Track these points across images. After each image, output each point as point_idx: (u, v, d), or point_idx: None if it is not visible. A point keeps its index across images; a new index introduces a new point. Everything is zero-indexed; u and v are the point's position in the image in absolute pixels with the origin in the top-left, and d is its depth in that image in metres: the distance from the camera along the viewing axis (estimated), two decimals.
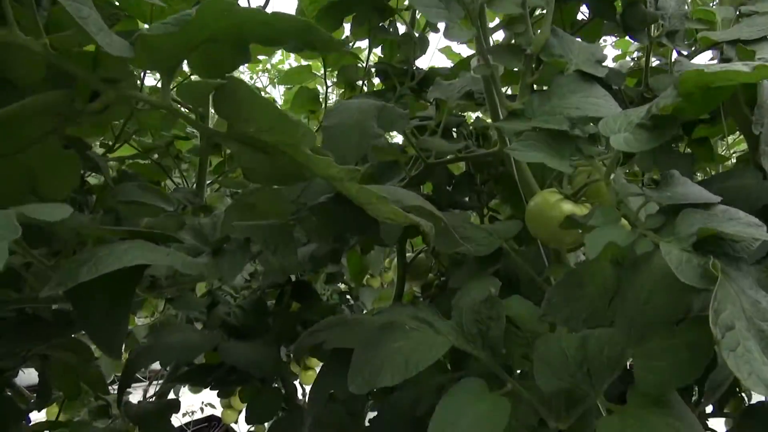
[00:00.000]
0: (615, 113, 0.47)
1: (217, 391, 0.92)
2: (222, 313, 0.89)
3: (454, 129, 0.99)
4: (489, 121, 1.00)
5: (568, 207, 0.58)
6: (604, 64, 0.64)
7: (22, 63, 0.40)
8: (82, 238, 0.46)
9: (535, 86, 0.70)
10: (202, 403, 2.86)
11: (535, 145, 0.48)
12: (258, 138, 0.44)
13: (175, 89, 0.45)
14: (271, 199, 0.56)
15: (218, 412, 2.27)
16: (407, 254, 1.19)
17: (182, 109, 0.56)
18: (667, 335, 0.42)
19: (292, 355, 0.88)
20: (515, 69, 0.60)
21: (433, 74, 1.01)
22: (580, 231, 0.58)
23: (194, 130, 1.09)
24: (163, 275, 0.51)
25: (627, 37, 1.28)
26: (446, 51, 1.56)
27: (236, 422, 2.17)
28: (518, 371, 0.70)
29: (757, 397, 0.84)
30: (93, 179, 0.93)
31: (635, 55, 1.70)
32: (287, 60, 1.64)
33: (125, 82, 0.41)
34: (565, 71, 0.54)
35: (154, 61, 0.40)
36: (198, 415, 2.99)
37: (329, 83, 1.17)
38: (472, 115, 1.31)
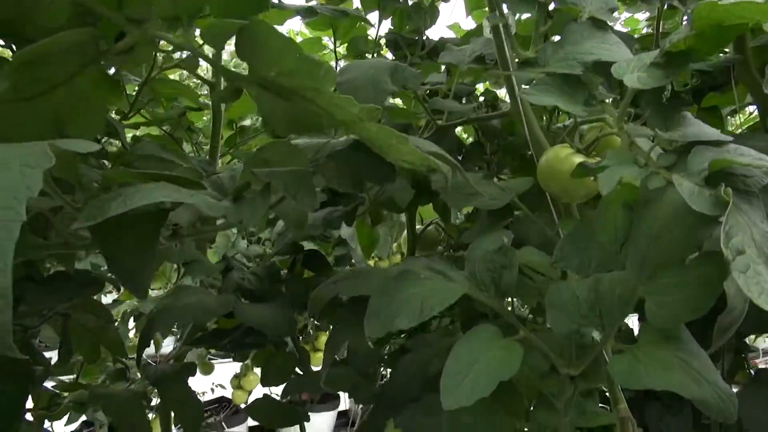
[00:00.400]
0: (628, 57, 0.48)
1: (226, 371, 0.93)
2: (236, 278, 0.91)
3: (464, 98, 1.00)
4: (498, 84, 1.01)
5: (579, 160, 0.59)
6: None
7: (46, 1, 0.41)
8: (107, 183, 0.48)
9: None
10: (213, 384, 2.89)
11: (548, 89, 0.49)
12: (279, 82, 0.45)
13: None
14: (287, 154, 0.57)
15: (228, 393, 2.30)
16: (417, 226, 1.20)
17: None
18: (678, 271, 0.43)
19: (306, 314, 0.89)
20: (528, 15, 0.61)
21: (443, 44, 1.02)
22: (592, 179, 0.59)
23: (206, 101, 1.10)
24: (185, 222, 0.52)
25: (637, 7, 1.28)
26: (455, 27, 1.56)
27: (246, 403, 2.20)
28: (529, 319, 0.72)
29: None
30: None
31: (645, 31, 1.70)
32: (297, 33, 1.64)
33: (150, 23, 0.42)
34: (578, 19, 0.55)
35: (176, 4, 0.41)
36: (209, 396, 3.02)
37: (339, 55, 1.18)
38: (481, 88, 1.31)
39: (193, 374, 0.93)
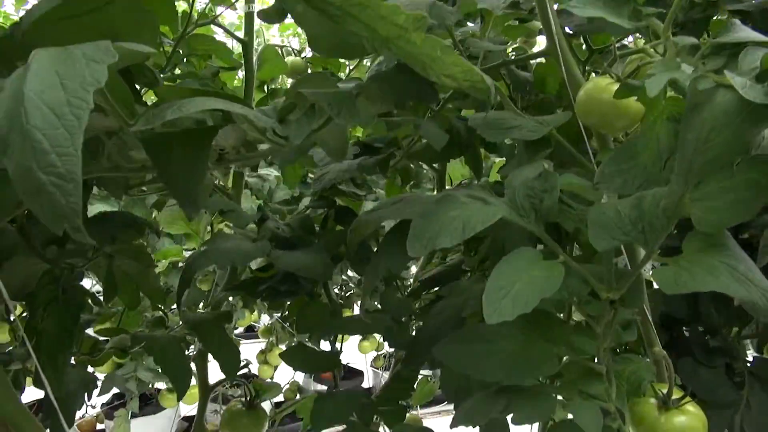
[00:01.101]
0: None
1: (252, 350, 0.95)
2: (271, 227, 0.92)
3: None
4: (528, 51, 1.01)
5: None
6: None
7: None
8: (161, 100, 0.49)
9: None
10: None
11: (593, 3, 0.49)
12: None
13: None
14: (323, 84, 0.58)
15: (254, 368, 2.33)
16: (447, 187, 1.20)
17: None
18: (726, 175, 0.43)
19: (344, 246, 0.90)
20: None
21: None
22: (633, 108, 0.59)
23: (240, 59, 1.11)
24: (230, 145, 0.54)
25: None
26: None
27: (272, 378, 2.24)
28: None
29: None
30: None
31: None
32: None
33: None
34: None
35: None
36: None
37: None
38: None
39: (229, 321, 0.95)
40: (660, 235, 0.48)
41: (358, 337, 2.34)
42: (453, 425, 0.69)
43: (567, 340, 0.60)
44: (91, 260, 0.76)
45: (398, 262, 0.62)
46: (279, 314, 1.80)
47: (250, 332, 3.64)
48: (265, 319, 2.34)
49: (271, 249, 0.86)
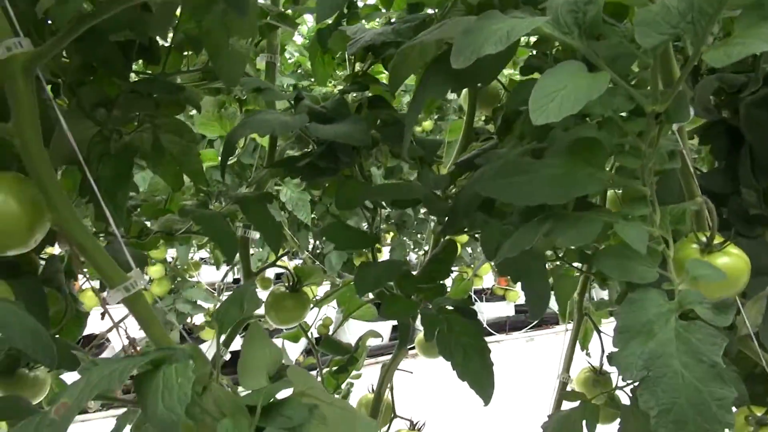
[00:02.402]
0: None
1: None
2: (308, 104, 0.93)
3: None
4: None
5: None
6: None
7: None
8: None
9: None
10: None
11: None
12: None
13: None
14: None
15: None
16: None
17: None
18: None
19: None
20: None
21: None
22: None
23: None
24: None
25: None
26: None
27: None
28: None
29: None
30: None
31: None
32: None
33: None
34: None
35: None
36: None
37: None
38: None
39: (271, 201, 0.98)
40: (710, 23, 0.48)
41: None
42: (496, 262, 0.70)
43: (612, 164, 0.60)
44: (139, 126, 0.79)
45: (440, 89, 0.62)
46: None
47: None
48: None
49: (310, 121, 0.87)
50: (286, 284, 1.08)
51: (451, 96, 1.65)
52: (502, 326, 4.60)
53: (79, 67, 0.74)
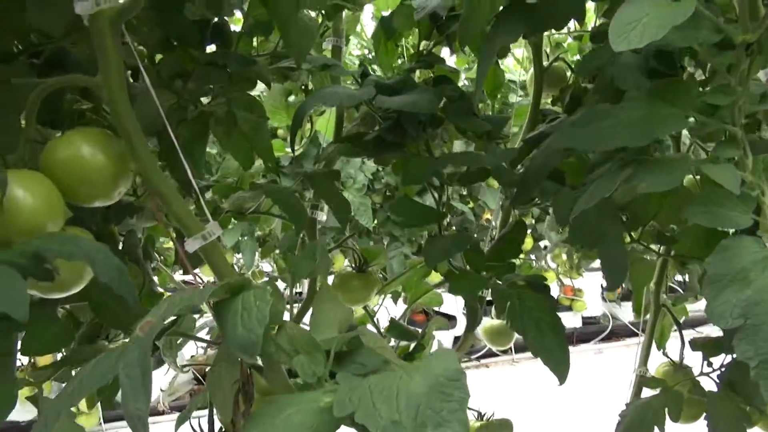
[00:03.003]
0: None
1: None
2: (374, 79, 0.94)
3: None
4: None
5: None
6: None
7: None
8: None
9: None
10: None
11: None
12: None
13: None
14: None
15: None
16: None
17: None
18: None
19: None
20: None
21: None
22: None
23: None
24: None
25: None
26: None
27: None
28: None
29: None
30: None
31: None
32: None
33: None
34: None
35: None
36: None
37: None
38: None
39: (338, 179, 0.98)
40: None
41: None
42: (572, 215, 0.68)
43: (696, 103, 0.57)
44: (215, 96, 0.81)
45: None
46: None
47: None
48: None
49: (377, 93, 0.88)
50: (352, 265, 1.09)
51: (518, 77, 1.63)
52: (569, 338, 4.43)
53: (160, 40, 0.78)
